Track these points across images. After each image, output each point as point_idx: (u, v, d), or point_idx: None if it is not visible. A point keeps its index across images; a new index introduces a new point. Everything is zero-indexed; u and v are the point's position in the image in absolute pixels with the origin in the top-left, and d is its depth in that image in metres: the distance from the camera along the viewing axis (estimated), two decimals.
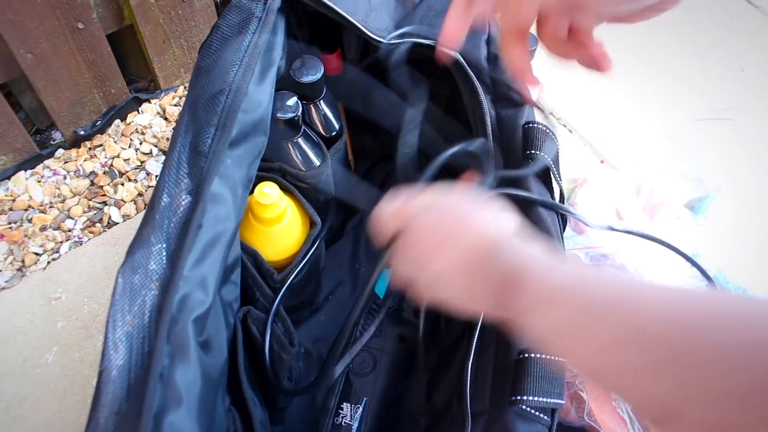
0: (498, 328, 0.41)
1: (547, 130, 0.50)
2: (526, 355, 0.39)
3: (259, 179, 0.57)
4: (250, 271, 0.52)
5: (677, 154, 1.00)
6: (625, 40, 1.25)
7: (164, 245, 0.36)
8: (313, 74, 0.57)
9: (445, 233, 0.35)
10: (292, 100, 0.55)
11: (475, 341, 0.42)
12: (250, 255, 0.53)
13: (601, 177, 0.84)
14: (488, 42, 0.55)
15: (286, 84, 0.57)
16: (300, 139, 0.58)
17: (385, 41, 0.51)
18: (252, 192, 0.54)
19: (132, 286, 0.35)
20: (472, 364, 0.43)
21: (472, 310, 0.35)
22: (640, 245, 0.76)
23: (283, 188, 0.56)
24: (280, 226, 0.56)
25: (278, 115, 0.54)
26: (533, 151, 0.48)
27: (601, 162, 1.05)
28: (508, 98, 0.52)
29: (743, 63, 1.24)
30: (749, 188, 0.91)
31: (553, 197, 0.50)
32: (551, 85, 1.11)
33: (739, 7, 1.36)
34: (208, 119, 0.41)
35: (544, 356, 0.39)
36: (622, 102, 1.14)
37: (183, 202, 0.38)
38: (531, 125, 0.50)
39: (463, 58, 0.52)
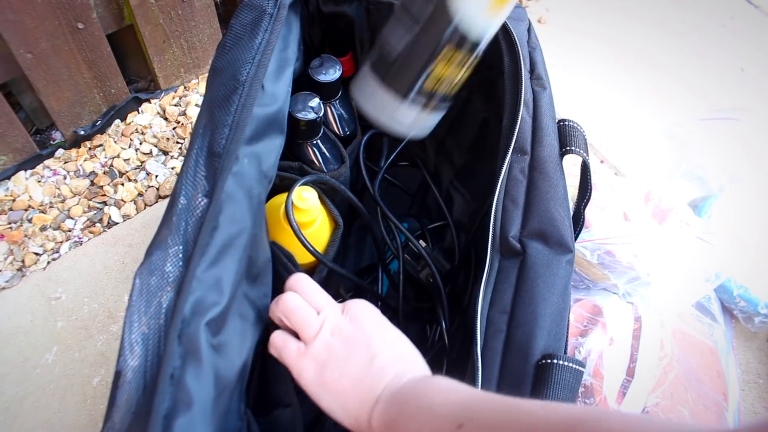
0: (505, 333, 0.41)
1: (578, 127, 0.51)
2: (550, 361, 0.39)
3: (279, 178, 0.56)
4: (281, 274, 0.51)
5: (679, 154, 1.00)
6: (625, 40, 1.25)
7: (181, 247, 0.36)
8: (331, 74, 0.57)
9: (355, 344, 0.39)
10: (315, 102, 0.55)
11: (479, 344, 0.42)
12: (287, 257, 0.53)
13: (609, 181, 0.84)
14: (528, 30, 0.56)
15: (303, 84, 0.57)
16: (320, 141, 0.58)
17: None
18: (272, 193, 0.54)
19: (149, 288, 0.34)
20: (479, 366, 0.42)
21: (346, 415, 0.38)
22: (645, 243, 0.76)
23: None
24: (312, 229, 0.56)
25: (299, 116, 0.54)
26: (570, 148, 0.49)
27: (601, 162, 1.05)
28: (540, 77, 0.53)
29: (743, 63, 1.24)
30: (752, 187, 0.91)
31: (588, 199, 0.50)
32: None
33: (739, 7, 1.36)
34: (223, 120, 0.41)
35: (566, 363, 0.38)
36: (622, 102, 1.14)
37: (200, 204, 0.38)
38: (565, 123, 0.51)
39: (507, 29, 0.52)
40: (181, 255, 0.36)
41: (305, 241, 0.52)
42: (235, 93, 0.43)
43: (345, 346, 0.39)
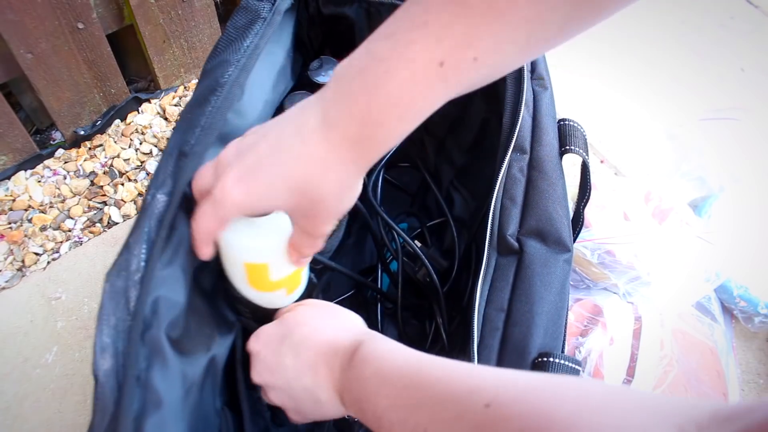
0: (501, 331, 0.41)
1: (579, 127, 0.51)
2: (546, 359, 0.39)
3: None
4: None
5: (679, 154, 1.00)
6: (625, 39, 1.25)
7: (144, 246, 0.36)
8: (330, 75, 0.57)
9: (296, 341, 0.39)
10: None
11: (476, 341, 0.42)
12: None
13: (609, 181, 0.84)
14: None
15: (302, 85, 0.57)
16: None
17: None
18: None
19: (116, 290, 0.34)
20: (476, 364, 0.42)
21: (317, 399, 0.38)
22: (645, 243, 0.76)
23: None
24: None
25: None
26: (569, 147, 0.49)
27: (601, 162, 1.05)
28: (541, 77, 0.53)
29: (743, 63, 1.24)
30: (752, 187, 0.91)
31: (587, 198, 0.50)
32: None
33: (739, 7, 1.36)
34: (197, 120, 0.41)
35: (562, 362, 0.38)
36: (622, 102, 1.14)
37: (160, 202, 0.38)
38: (565, 122, 0.51)
39: None
40: (143, 254, 0.36)
41: None
42: (213, 94, 0.42)
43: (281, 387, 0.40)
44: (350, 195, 0.34)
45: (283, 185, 0.32)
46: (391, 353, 0.34)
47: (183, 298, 0.37)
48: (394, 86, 0.28)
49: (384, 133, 0.30)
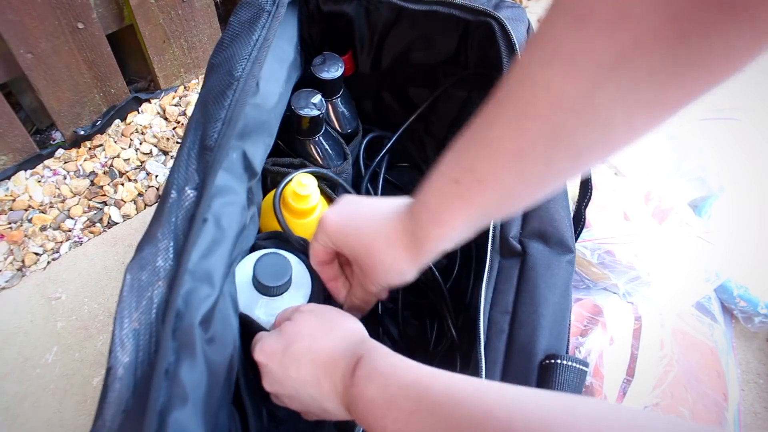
0: (507, 333, 0.41)
1: None
2: (553, 361, 0.39)
3: (281, 175, 0.57)
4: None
5: (679, 154, 1.00)
6: None
7: (171, 242, 0.36)
8: (333, 71, 0.57)
9: (298, 351, 0.40)
10: (317, 98, 0.55)
11: (482, 343, 0.42)
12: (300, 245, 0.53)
13: (609, 181, 0.84)
14: (527, 30, 0.56)
15: (303, 82, 0.57)
16: (322, 137, 0.58)
17: None
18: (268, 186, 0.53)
19: (140, 283, 0.34)
20: (483, 366, 0.42)
21: (324, 409, 0.39)
22: (645, 243, 0.76)
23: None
24: (313, 217, 0.56)
25: (302, 112, 0.54)
26: None
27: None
28: None
29: None
30: (752, 187, 0.91)
31: (588, 199, 0.50)
32: None
33: None
34: (217, 114, 0.41)
35: (570, 363, 0.38)
36: None
37: (189, 197, 0.38)
38: None
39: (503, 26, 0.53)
40: (171, 249, 0.36)
41: (289, 231, 0.52)
42: (229, 88, 0.43)
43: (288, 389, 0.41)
44: (397, 275, 0.40)
45: (359, 237, 0.41)
46: (394, 370, 0.33)
47: (216, 293, 0.37)
48: (429, 197, 0.36)
49: (424, 233, 0.37)
